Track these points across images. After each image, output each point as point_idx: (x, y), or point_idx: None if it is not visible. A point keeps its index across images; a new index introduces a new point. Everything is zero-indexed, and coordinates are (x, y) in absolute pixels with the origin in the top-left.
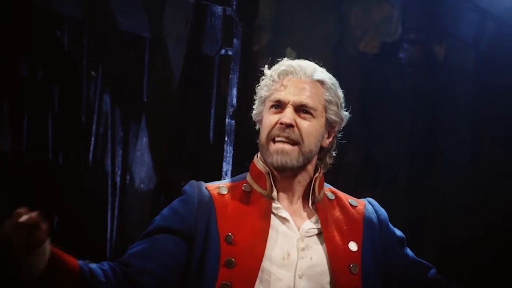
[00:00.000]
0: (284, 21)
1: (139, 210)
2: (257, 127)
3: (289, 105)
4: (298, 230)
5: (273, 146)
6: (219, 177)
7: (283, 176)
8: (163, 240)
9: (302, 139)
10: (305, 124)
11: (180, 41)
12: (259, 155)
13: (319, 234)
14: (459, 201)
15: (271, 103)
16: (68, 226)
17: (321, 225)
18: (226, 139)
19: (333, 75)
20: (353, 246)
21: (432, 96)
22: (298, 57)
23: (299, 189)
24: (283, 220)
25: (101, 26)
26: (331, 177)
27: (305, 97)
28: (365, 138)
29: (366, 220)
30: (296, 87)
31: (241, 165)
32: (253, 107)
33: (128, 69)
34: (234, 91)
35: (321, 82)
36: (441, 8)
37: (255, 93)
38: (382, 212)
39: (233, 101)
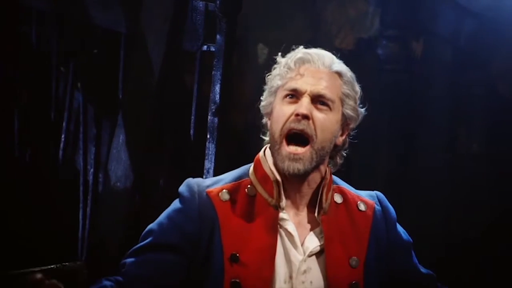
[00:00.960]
0: (256, 17)
1: (115, 209)
2: (264, 120)
3: (305, 95)
4: (302, 245)
5: (286, 149)
6: (200, 175)
7: (292, 179)
8: (163, 260)
9: (316, 134)
10: (320, 116)
11: (160, 37)
12: (265, 151)
13: (321, 251)
14: (437, 195)
15: (285, 92)
16: (38, 225)
17: (325, 240)
18: (208, 136)
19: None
20: (354, 262)
21: (410, 92)
22: (270, 53)
23: (308, 192)
24: (289, 234)
25: (72, 20)
26: None
27: (322, 87)
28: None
29: (374, 227)
30: (314, 77)
31: (224, 163)
32: (261, 98)
33: (101, 65)
34: (217, 88)
35: (339, 74)
36: (419, 4)
37: (238, 90)
38: (391, 212)
39: (216, 98)
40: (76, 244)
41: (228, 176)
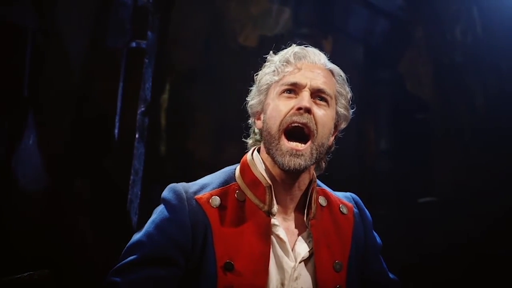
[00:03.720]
0: None
1: (25, 212)
2: (250, 120)
3: (305, 89)
4: (292, 251)
5: (287, 145)
6: (127, 176)
7: (285, 180)
8: (159, 275)
9: (317, 129)
10: (320, 112)
11: (81, 33)
12: (253, 154)
13: (309, 256)
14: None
15: (283, 88)
16: None
17: (314, 245)
18: (137, 136)
19: (210, 69)
20: (338, 266)
21: None
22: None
23: (297, 195)
24: (280, 241)
25: None
26: None
27: (321, 82)
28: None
29: (355, 231)
30: (312, 71)
31: (154, 163)
32: (248, 98)
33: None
34: (148, 86)
35: (333, 72)
36: (332, 4)
37: (171, 88)
38: (367, 215)
39: (147, 97)
40: None
41: (214, 181)
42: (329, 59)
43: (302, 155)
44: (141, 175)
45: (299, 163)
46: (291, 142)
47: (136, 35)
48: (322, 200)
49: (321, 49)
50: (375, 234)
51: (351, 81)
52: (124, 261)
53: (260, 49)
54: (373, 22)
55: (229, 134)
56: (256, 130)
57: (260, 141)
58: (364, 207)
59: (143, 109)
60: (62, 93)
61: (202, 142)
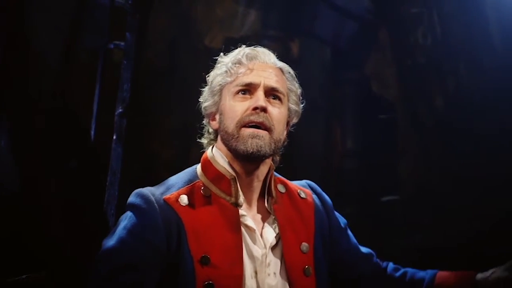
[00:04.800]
0: None
1: None
2: (204, 121)
3: (260, 88)
4: (261, 238)
5: (247, 131)
6: (104, 177)
7: (245, 172)
8: (141, 280)
9: (274, 126)
10: (275, 110)
11: (56, 33)
12: (213, 152)
13: (277, 241)
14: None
15: (238, 88)
16: None
17: (280, 230)
18: (114, 137)
19: (175, 70)
20: (305, 247)
21: None
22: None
23: (257, 185)
24: (248, 230)
25: None
26: None
27: (274, 81)
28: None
29: (316, 213)
30: (264, 71)
31: (132, 165)
32: (200, 99)
33: None
34: (126, 87)
35: (282, 70)
36: (300, 6)
37: (149, 89)
38: (326, 198)
39: (126, 98)
40: None
41: (178, 181)
42: (296, 61)
43: (262, 137)
44: (118, 176)
45: (260, 145)
46: (251, 128)
47: (114, 36)
48: (280, 187)
49: (289, 51)
50: (338, 214)
51: (318, 82)
52: (99, 271)
53: (226, 51)
54: (340, 24)
55: (194, 135)
56: (211, 130)
57: (214, 140)
58: (322, 191)
59: (121, 110)
60: (37, 94)
61: (166, 143)
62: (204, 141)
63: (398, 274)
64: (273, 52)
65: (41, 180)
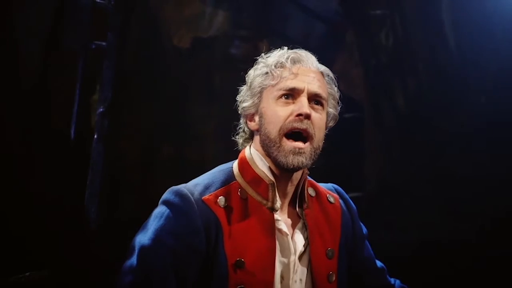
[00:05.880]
0: None
1: None
2: (242, 121)
3: (304, 94)
4: (292, 243)
5: (289, 144)
6: (84, 175)
7: (282, 178)
8: (177, 284)
9: (315, 133)
10: (317, 116)
11: (35, 32)
12: (251, 153)
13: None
14: None
15: (281, 92)
16: None
17: (309, 235)
18: (95, 136)
19: (144, 70)
20: (331, 253)
21: None
22: None
23: (291, 190)
24: (282, 235)
25: None
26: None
27: (317, 87)
28: (180, 135)
29: (343, 219)
30: (308, 76)
31: (115, 163)
32: (238, 98)
33: None
34: (109, 87)
35: (323, 74)
36: (270, 7)
37: (132, 89)
38: (352, 204)
39: (107, 97)
40: None
41: (215, 180)
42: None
43: (304, 152)
44: (100, 174)
45: (301, 161)
46: (293, 142)
47: (96, 36)
48: (311, 191)
49: (258, 51)
50: (361, 222)
51: None
52: (142, 273)
53: (193, 51)
54: (309, 25)
55: (162, 134)
56: (246, 129)
57: (250, 139)
58: (348, 197)
59: (102, 109)
60: (18, 94)
61: (133, 142)
62: (239, 140)
63: None
64: (244, 52)
65: (21, 179)
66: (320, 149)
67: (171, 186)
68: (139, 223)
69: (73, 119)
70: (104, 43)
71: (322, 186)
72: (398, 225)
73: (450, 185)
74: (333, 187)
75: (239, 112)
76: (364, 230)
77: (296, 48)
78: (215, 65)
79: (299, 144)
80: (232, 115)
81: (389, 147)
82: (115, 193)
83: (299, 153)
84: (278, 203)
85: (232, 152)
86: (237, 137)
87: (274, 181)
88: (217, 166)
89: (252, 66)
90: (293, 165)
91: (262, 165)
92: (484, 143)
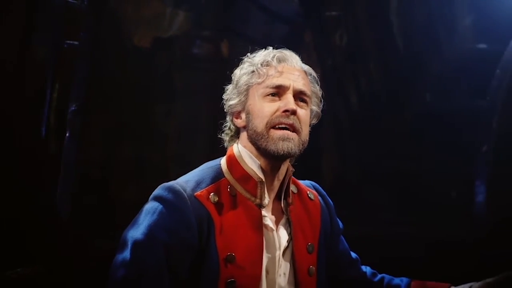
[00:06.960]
0: None
1: None
2: (228, 119)
3: (289, 91)
4: (277, 239)
5: (277, 132)
6: (56, 174)
7: (270, 169)
8: (176, 278)
9: (301, 127)
10: (302, 112)
11: (5, 31)
12: (239, 150)
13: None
14: None
15: (267, 90)
16: None
17: (293, 231)
18: (67, 134)
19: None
20: (311, 248)
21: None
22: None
23: (276, 185)
24: (268, 230)
25: None
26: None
27: (302, 84)
28: (141, 134)
29: (322, 215)
30: (293, 74)
31: (88, 161)
32: (224, 96)
33: None
34: (81, 85)
35: (306, 73)
36: (231, 7)
37: (105, 89)
38: (330, 201)
39: (80, 96)
40: None
41: (205, 177)
42: (226, 61)
43: (292, 139)
44: (72, 173)
45: (291, 147)
46: (281, 130)
47: (68, 35)
48: (293, 188)
49: (219, 51)
50: (337, 218)
51: None
52: (135, 267)
53: (154, 50)
54: (269, 26)
55: (122, 133)
56: (232, 127)
57: (235, 137)
58: (325, 193)
59: (74, 108)
60: None
61: (95, 142)
62: (225, 137)
63: (376, 279)
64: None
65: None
66: (306, 144)
67: (131, 185)
68: (101, 222)
69: (44, 117)
70: (76, 43)
71: (301, 183)
72: (353, 221)
73: (404, 182)
74: (311, 184)
75: (225, 110)
76: (341, 225)
77: (281, 48)
78: (176, 65)
79: (288, 132)
80: (193, 114)
81: (343, 146)
82: (82, 191)
83: (288, 139)
84: (266, 200)
85: (195, 151)
86: (222, 134)
87: (263, 179)
88: (178, 165)
89: (213, 66)
90: (283, 150)
91: (251, 163)
92: (429, 140)
